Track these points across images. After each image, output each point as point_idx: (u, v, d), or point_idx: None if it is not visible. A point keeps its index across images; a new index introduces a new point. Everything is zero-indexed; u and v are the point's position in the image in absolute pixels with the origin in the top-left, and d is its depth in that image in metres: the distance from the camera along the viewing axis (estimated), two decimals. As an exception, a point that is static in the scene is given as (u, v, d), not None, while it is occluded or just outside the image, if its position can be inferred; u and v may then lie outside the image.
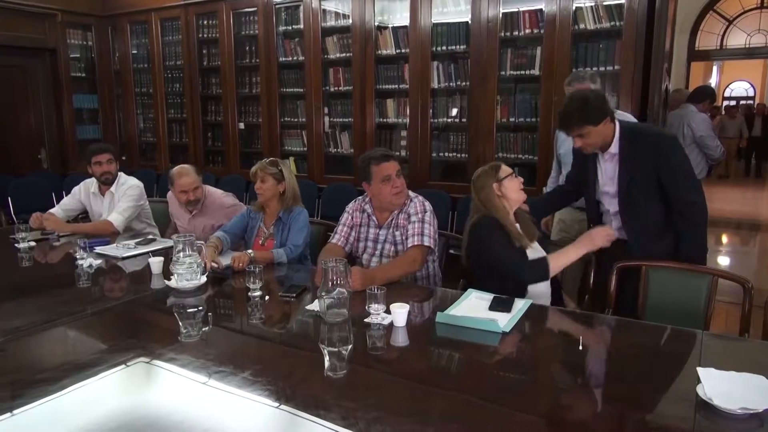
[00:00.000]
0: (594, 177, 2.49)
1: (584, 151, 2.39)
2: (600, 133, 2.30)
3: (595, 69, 3.77)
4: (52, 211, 3.49)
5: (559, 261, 2.19)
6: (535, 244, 2.31)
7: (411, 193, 2.61)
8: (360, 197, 2.72)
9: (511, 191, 2.28)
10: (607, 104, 2.31)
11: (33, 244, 2.98)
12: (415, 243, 2.41)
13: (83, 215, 3.77)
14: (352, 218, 2.66)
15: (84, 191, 3.61)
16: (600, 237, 2.20)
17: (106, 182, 3.49)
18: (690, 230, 2.32)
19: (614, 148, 2.36)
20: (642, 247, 2.35)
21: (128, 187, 3.47)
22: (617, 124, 2.36)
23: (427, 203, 2.57)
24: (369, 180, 2.53)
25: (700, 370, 1.40)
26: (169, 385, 1.56)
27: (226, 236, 2.82)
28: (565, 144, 3.08)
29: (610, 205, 2.46)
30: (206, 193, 3.33)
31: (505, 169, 2.31)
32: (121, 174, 3.55)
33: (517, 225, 2.29)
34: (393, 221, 2.56)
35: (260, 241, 2.86)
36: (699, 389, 1.34)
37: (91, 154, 3.48)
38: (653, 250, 2.33)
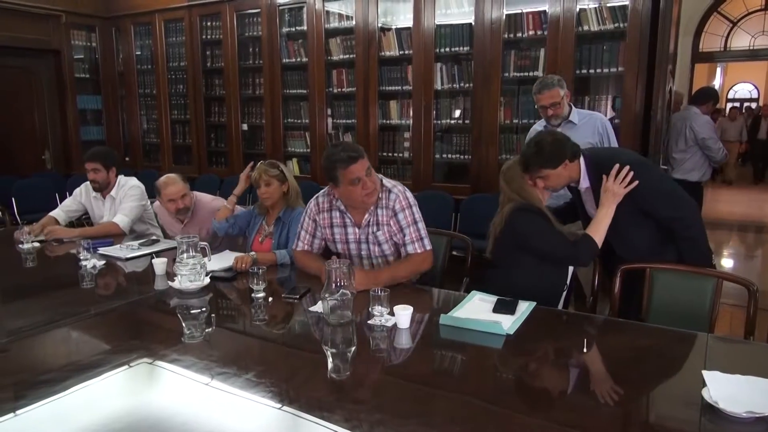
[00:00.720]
0: (585, 212, 2.48)
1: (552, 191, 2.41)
2: (560, 176, 2.29)
3: (599, 71, 3.78)
4: (53, 213, 3.50)
5: (599, 230, 2.22)
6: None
7: (386, 182, 2.37)
8: (322, 193, 2.47)
9: (553, 182, 2.31)
10: (566, 146, 2.27)
11: (37, 244, 2.98)
12: (418, 251, 2.33)
13: (86, 216, 3.77)
14: (317, 221, 2.45)
15: (85, 193, 3.61)
16: (617, 187, 2.20)
17: (95, 189, 3.49)
18: (686, 243, 2.27)
19: (584, 182, 2.36)
20: (614, 237, 2.28)
21: (129, 187, 3.47)
22: (582, 160, 2.32)
23: (408, 194, 2.38)
24: (336, 183, 2.27)
25: (705, 374, 1.40)
26: (172, 386, 1.55)
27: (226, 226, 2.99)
28: None
29: None
30: (195, 199, 3.30)
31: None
32: (121, 177, 3.54)
33: None
34: (372, 219, 2.36)
35: (259, 239, 2.88)
36: (704, 392, 1.34)
37: (84, 159, 3.51)
38: (625, 242, 2.34)
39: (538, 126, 3.29)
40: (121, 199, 3.45)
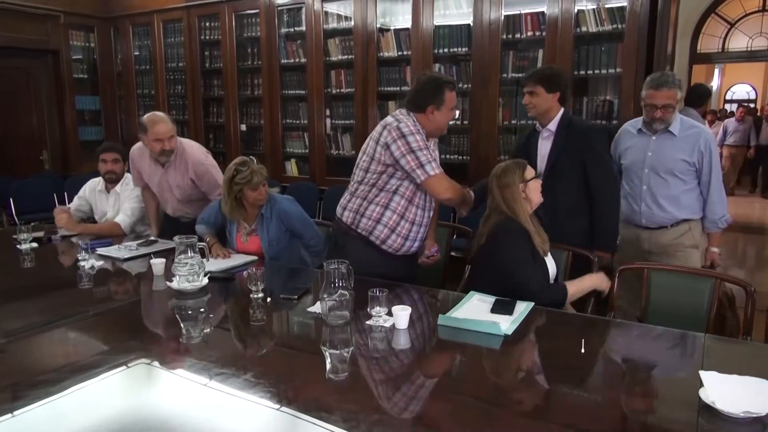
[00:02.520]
0: (534, 153, 2.69)
1: (527, 110, 2.71)
2: (546, 101, 2.59)
3: (597, 72, 3.79)
4: (67, 207, 3.52)
5: (576, 291, 2.18)
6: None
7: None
8: (404, 118, 2.37)
9: (535, 193, 2.23)
10: (564, 85, 2.64)
11: (35, 245, 2.98)
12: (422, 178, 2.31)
13: (89, 217, 3.77)
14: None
15: (90, 189, 3.62)
16: (606, 283, 2.24)
17: (110, 180, 3.50)
18: (602, 209, 2.57)
19: (552, 125, 2.64)
20: (552, 225, 2.36)
21: (132, 188, 3.47)
22: (562, 109, 2.64)
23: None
24: (439, 105, 2.35)
25: (702, 374, 1.40)
26: (170, 386, 1.55)
27: (209, 228, 2.82)
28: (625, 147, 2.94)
29: None
30: (182, 145, 3.15)
31: (530, 170, 2.26)
32: (128, 174, 3.53)
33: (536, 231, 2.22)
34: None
35: (242, 239, 2.79)
36: (702, 393, 1.34)
37: (99, 151, 3.51)
38: (564, 230, 2.45)
39: (630, 126, 2.85)
40: (124, 198, 3.44)
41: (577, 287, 2.18)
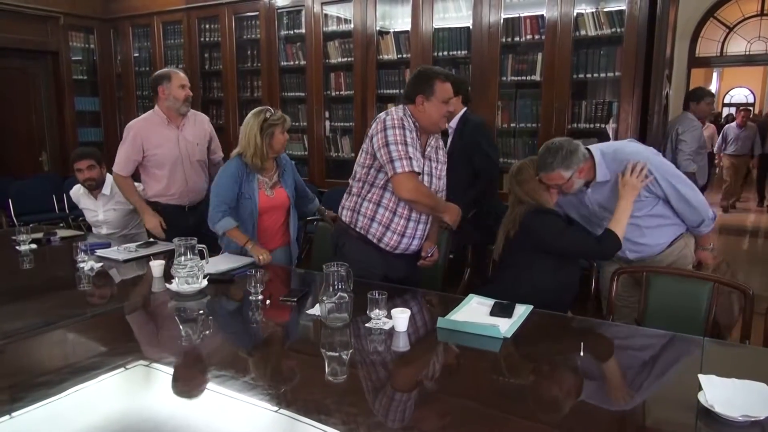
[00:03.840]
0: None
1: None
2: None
3: (596, 75, 3.80)
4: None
5: (620, 223, 2.21)
6: None
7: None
8: (396, 111, 2.34)
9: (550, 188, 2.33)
10: (465, 90, 3.32)
11: (34, 246, 2.98)
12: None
13: (82, 218, 3.77)
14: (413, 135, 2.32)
15: (76, 197, 3.58)
16: (635, 180, 2.23)
17: (90, 188, 3.43)
18: (482, 184, 3.20)
19: (454, 122, 3.22)
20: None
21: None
22: (465, 108, 3.27)
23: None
24: (429, 95, 2.29)
25: (701, 377, 1.40)
26: (168, 388, 1.55)
27: (231, 218, 2.66)
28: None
29: None
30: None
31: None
32: (109, 175, 3.45)
33: None
34: (432, 151, 2.44)
35: (267, 193, 2.74)
36: (700, 396, 1.34)
37: (72, 160, 3.41)
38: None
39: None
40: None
41: (620, 221, 2.22)
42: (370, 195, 2.39)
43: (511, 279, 2.29)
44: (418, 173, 2.30)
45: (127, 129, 3.26)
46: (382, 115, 2.35)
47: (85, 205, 3.54)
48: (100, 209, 3.47)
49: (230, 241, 2.73)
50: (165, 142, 3.23)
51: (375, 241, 2.39)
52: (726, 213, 8.10)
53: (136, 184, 3.36)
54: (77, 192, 3.56)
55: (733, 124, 8.29)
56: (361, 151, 2.42)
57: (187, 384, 1.54)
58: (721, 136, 8.36)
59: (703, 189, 4.92)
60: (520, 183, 2.33)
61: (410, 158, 2.24)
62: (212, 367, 1.59)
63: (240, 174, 2.67)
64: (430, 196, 2.37)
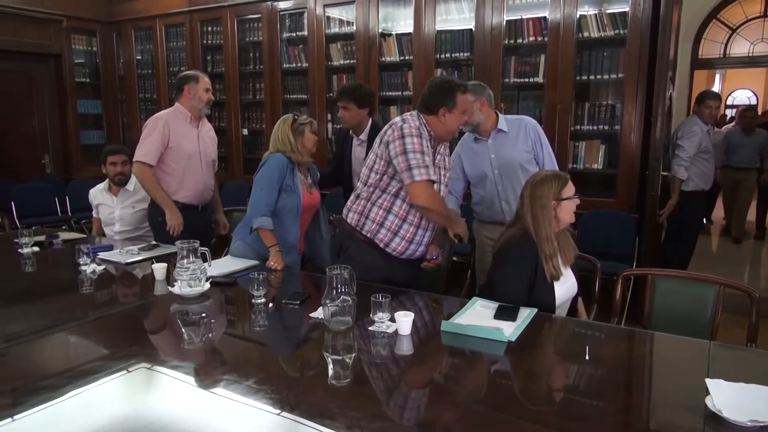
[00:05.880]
0: (350, 158, 3.34)
1: (342, 122, 3.37)
2: (358, 115, 3.25)
3: (599, 77, 3.79)
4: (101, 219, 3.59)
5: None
6: (567, 270, 2.15)
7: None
8: (409, 119, 2.35)
9: (567, 214, 2.09)
10: (372, 102, 3.33)
11: (36, 249, 2.98)
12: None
13: (85, 221, 3.77)
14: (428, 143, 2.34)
15: (95, 195, 3.62)
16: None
17: (119, 183, 3.51)
18: None
19: (364, 135, 3.30)
20: None
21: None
22: (371, 120, 3.32)
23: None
24: (451, 107, 2.32)
25: (708, 382, 1.39)
26: (170, 391, 1.54)
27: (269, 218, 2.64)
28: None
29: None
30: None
31: (569, 188, 2.10)
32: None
33: (553, 254, 2.07)
34: (440, 157, 2.45)
35: (308, 190, 2.79)
36: (708, 400, 1.33)
37: (106, 154, 3.51)
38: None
39: (467, 137, 2.93)
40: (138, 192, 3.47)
41: None
42: (380, 201, 2.39)
43: (491, 291, 2.15)
44: (434, 182, 2.31)
45: (154, 120, 3.26)
46: (398, 121, 2.34)
47: (103, 202, 3.57)
48: (117, 206, 3.51)
49: (241, 243, 2.76)
50: (188, 136, 3.30)
51: (382, 245, 2.38)
52: (739, 243, 6.34)
53: None
54: (96, 190, 3.62)
55: (738, 128, 6.38)
56: (373, 156, 2.41)
57: (190, 387, 1.53)
58: (723, 142, 6.24)
59: (708, 195, 4.89)
60: (533, 197, 2.08)
61: (427, 167, 2.27)
62: (215, 370, 1.58)
63: (285, 167, 2.69)
64: (443, 206, 2.40)
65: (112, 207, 3.53)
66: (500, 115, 2.83)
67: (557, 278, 2.06)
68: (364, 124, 3.30)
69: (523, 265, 2.06)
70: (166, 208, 3.19)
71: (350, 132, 3.37)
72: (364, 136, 3.30)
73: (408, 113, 2.42)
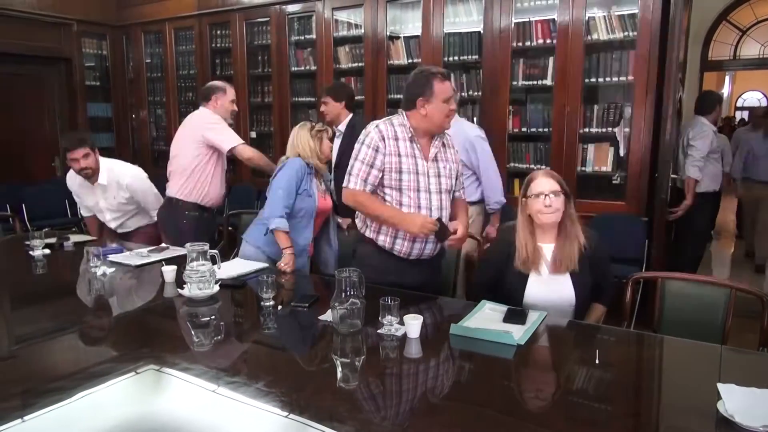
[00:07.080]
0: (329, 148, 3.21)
1: (323, 116, 3.65)
2: (335, 108, 3.58)
3: (608, 80, 3.77)
4: (90, 216, 3.58)
5: None
6: (559, 276, 2.13)
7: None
8: (380, 122, 2.32)
9: (534, 212, 2.14)
10: (348, 96, 3.63)
11: (47, 251, 3.00)
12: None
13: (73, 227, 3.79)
14: (379, 149, 2.26)
15: (71, 181, 3.47)
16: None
17: (86, 177, 3.31)
18: None
19: (342, 127, 3.58)
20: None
21: (141, 180, 3.49)
22: (350, 114, 3.62)
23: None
24: (429, 98, 2.23)
25: (720, 386, 1.38)
26: (179, 393, 1.55)
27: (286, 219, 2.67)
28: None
29: None
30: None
31: (538, 184, 2.14)
32: (104, 160, 3.38)
33: (527, 247, 2.13)
34: (440, 154, 2.36)
35: (322, 196, 2.89)
36: (720, 405, 1.32)
37: (64, 150, 3.26)
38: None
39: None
40: (142, 197, 3.46)
41: None
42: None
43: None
44: (364, 191, 2.30)
45: (216, 116, 3.36)
46: (372, 125, 2.33)
47: (84, 193, 3.45)
48: (100, 197, 3.41)
49: (251, 245, 2.80)
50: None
51: (387, 248, 2.38)
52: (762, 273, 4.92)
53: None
54: (74, 180, 3.43)
55: (760, 133, 5.28)
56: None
57: (198, 389, 1.53)
58: (739, 152, 5.37)
59: (716, 195, 4.85)
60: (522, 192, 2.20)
61: (364, 180, 2.28)
62: (224, 372, 1.58)
63: (304, 171, 2.76)
64: (386, 210, 2.32)
65: (94, 197, 3.42)
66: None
67: (527, 268, 2.14)
68: (342, 117, 3.61)
69: (496, 249, 2.31)
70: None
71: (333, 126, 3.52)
72: (342, 127, 3.58)
73: (395, 114, 2.38)
